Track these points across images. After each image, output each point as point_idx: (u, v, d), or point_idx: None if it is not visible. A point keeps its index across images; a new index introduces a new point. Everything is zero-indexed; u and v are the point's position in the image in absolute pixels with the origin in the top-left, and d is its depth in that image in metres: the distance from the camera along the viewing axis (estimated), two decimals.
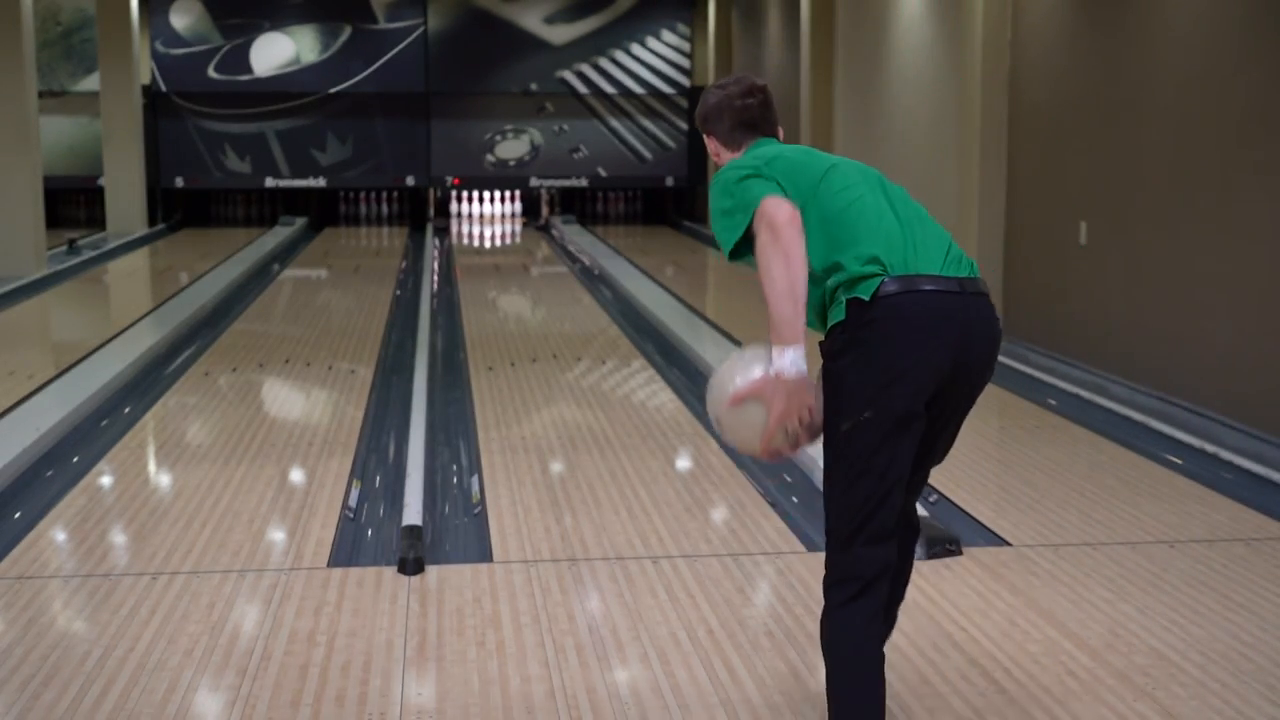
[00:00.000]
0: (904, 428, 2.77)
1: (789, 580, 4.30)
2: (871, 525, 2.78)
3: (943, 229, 3.03)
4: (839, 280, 2.81)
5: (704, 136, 3.14)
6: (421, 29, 19.07)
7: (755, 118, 3.08)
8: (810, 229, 2.84)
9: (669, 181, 19.32)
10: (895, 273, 2.79)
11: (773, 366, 2.73)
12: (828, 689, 2.83)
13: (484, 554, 4.59)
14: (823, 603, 2.86)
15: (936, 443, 2.93)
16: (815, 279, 2.84)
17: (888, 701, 3.38)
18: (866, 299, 2.76)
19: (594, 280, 12.84)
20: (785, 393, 2.72)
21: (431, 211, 19.72)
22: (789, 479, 5.45)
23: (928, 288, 2.81)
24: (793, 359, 2.71)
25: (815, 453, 5.43)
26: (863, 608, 2.79)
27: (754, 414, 2.79)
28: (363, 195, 19.89)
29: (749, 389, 2.78)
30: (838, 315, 2.80)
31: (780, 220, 2.74)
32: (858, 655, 2.79)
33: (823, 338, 2.88)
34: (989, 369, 2.93)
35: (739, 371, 2.84)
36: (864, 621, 2.79)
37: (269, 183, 19.19)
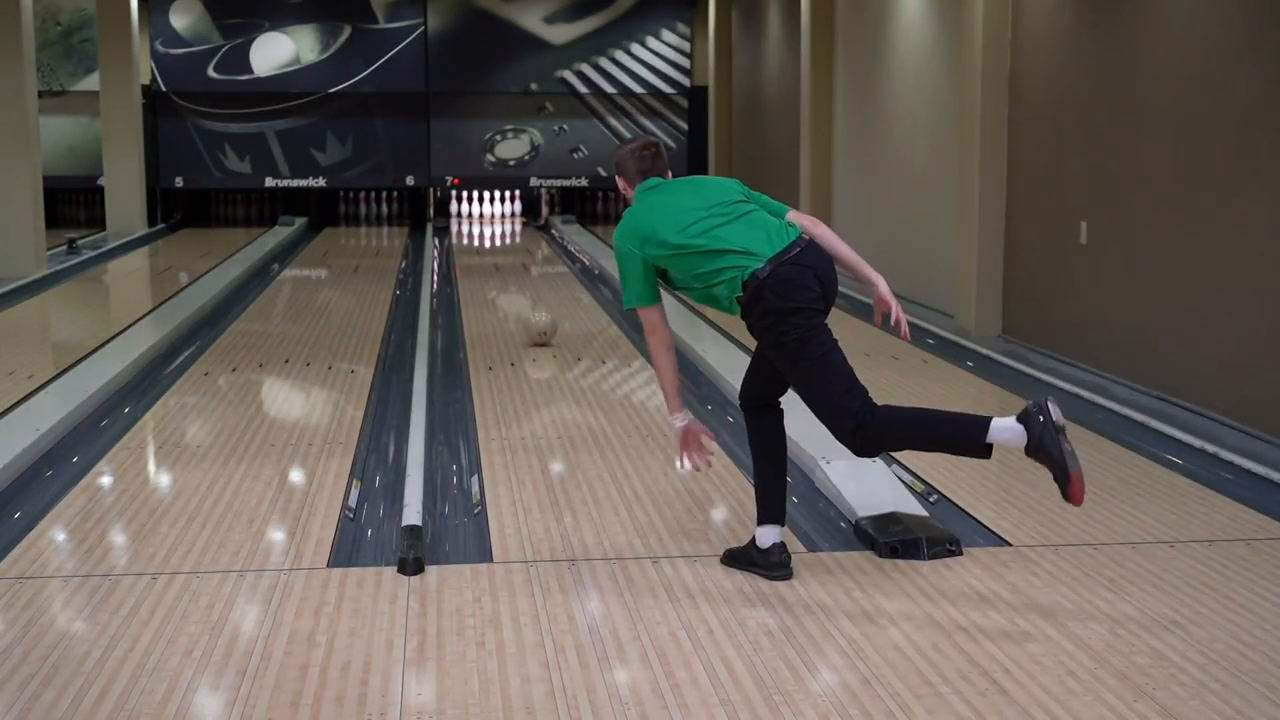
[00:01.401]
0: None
1: (789, 580, 4.29)
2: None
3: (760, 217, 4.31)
4: (725, 277, 4.16)
5: (616, 176, 4.54)
6: (421, 29, 19.07)
7: (648, 167, 4.46)
8: (684, 259, 4.25)
9: None
10: (758, 259, 4.13)
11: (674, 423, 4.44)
12: (938, 442, 4.07)
13: (484, 554, 4.60)
14: (864, 443, 4.07)
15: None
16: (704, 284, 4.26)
17: (888, 701, 3.40)
18: (740, 291, 4.14)
19: (594, 280, 12.84)
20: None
21: (431, 211, 19.72)
22: (789, 479, 5.43)
23: (788, 257, 4.12)
24: (678, 419, 4.41)
25: (814, 452, 5.44)
26: (874, 412, 4.05)
27: None
28: (363, 195, 19.89)
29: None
30: (738, 307, 4.18)
31: (651, 336, 4.39)
32: (900, 410, 4.11)
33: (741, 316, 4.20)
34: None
35: None
36: (882, 409, 4.06)
37: (269, 183, 19.19)
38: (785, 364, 4.17)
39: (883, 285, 4.32)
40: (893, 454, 5.88)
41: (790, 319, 4.08)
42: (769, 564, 4.32)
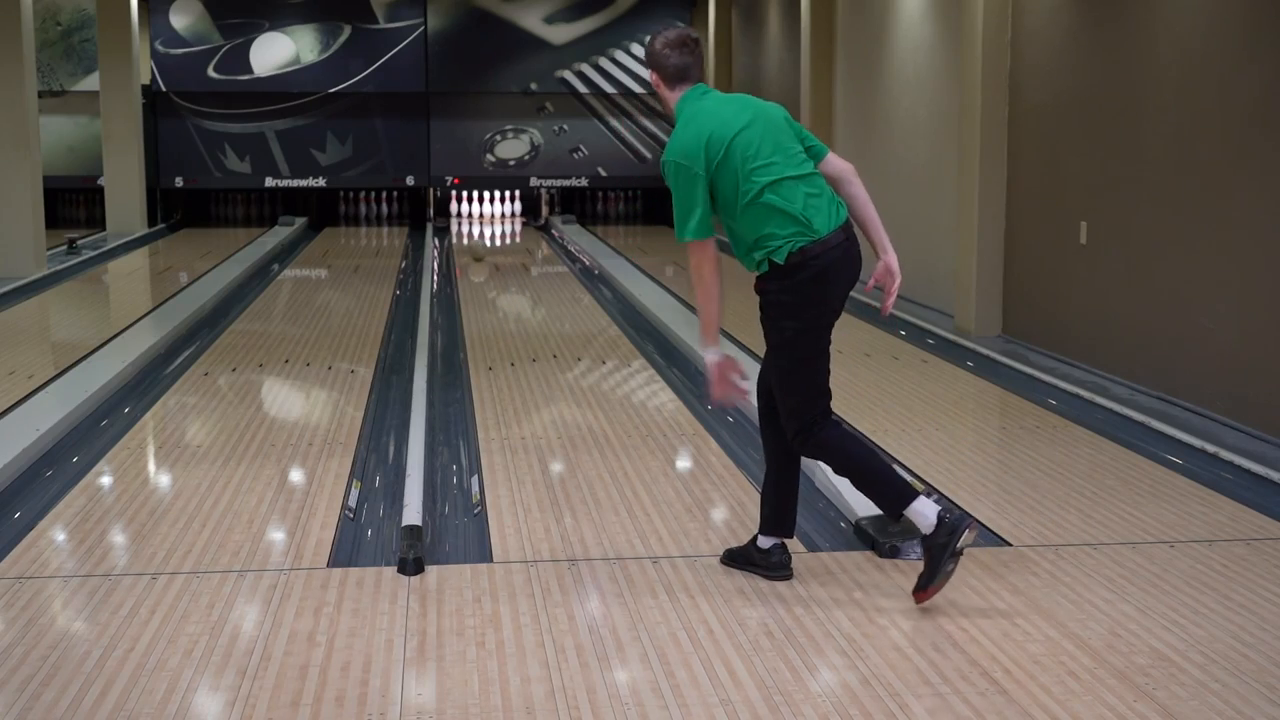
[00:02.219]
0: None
1: (789, 580, 4.29)
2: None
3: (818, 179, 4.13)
4: (769, 245, 4.02)
5: (650, 71, 4.16)
6: (421, 29, 19.06)
7: (688, 65, 4.11)
8: (739, 211, 4.06)
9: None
10: (812, 235, 4.01)
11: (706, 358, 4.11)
12: (856, 479, 4.12)
13: (484, 554, 4.60)
14: (802, 446, 4.14)
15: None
16: (745, 241, 4.10)
17: (888, 701, 3.40)
18: (781, 262, 4.02)
19: (594, 280, 12.84)
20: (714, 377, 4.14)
21: (431, 211, 19.71)
22: None
23: (838, 242, 4.03)
24: (713, 353, 4.11)
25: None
26: (826, 425, 4.12)
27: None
28: (363, 195, 19.88)
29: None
30: (767, 267, 4.05)
31: (705, 264, 4.09)
32: (849, 440, 4.13)
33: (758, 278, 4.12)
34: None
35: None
36: (834, 429, 4.13)
37: (269, 183, 19.18)
38: (771, 343, 4.16)
39: (894, 259, 4.18)
40: (892, 455, 5.89)
41: (804, 310, 4.06)
42: (769, 564, 4.32)
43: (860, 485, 4.17)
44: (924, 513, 3.99)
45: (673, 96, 4.16)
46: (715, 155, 4.04)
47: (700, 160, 4.03)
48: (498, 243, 17.60)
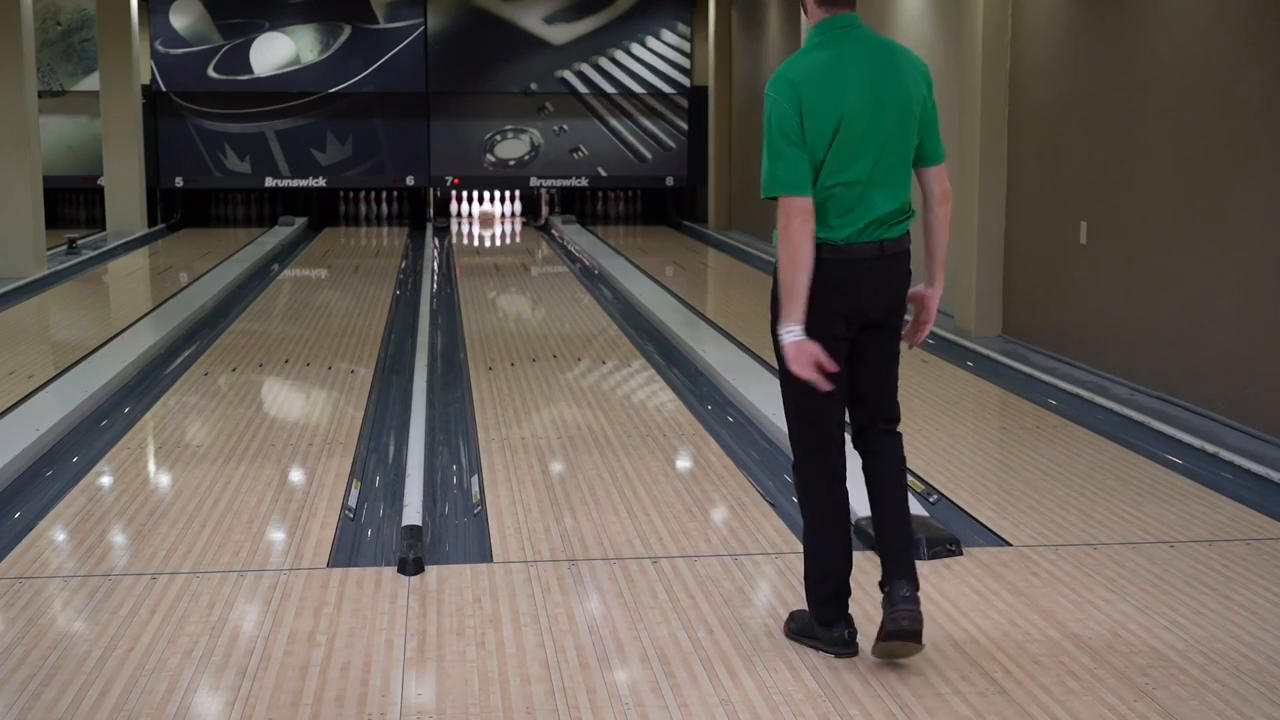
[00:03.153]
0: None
1: (789, 580, 4.30)
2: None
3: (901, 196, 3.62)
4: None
5: None
6: (421, 29, 19.05)
7: None
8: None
9: (669, 181, 19.30)
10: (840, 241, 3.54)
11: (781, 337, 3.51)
12: (809, 567, 3.76)
13: (484, 554, 4.60)
14: (797, 487, 3.81)
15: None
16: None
17: (888, 701, 3.39)
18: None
19: (594, 280, 12.83)
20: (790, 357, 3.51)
21: (431, 211, 19.71)
22: (789, 479, 5.43)
23: (858, 255, 3.55)
24: (791, 331, 3.48)
25: None
26: (819, 467, 3.71)
27: None
28: (362, 195, 19.87)
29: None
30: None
31: (793, 223, 3.46)
32: (829, 530, 3.74)
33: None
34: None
35: None
36: (822, 474, 3.72)
37: (269, 182, 19.18)
38: (775, 346, 3.63)
39: (936, 297, 3.73)
40: None
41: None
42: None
43: (807, 565, 3.78)
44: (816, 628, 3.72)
45: (816, 15, 3.55)
46: (814, 108, 3.47)
47: (793, 101, 3.46)
48: (498, 242, 17.59)
